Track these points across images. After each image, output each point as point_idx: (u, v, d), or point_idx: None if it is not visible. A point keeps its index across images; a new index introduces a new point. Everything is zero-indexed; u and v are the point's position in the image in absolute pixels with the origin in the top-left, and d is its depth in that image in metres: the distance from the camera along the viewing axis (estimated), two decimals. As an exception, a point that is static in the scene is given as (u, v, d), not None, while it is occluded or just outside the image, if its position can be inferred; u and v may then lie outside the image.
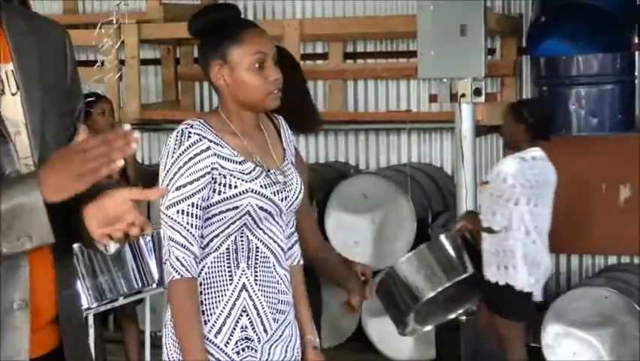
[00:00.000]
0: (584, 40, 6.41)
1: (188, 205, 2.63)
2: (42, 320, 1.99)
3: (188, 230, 2.63)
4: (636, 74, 6.48)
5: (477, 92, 5.86)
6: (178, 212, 2.63)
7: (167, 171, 2.64)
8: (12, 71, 1.99)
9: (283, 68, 2.81)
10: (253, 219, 2.69)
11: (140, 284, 4.49)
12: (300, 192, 2.83)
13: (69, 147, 1.85)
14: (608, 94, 6.35)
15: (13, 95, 1.98)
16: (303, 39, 6.91)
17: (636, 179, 6.09)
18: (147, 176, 6.09)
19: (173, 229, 2.64)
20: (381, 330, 6.43)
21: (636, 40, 6.48)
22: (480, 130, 6.23)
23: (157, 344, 4.05)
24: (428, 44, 5.83)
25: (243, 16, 2.81)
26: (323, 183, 6.58)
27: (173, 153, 2.64)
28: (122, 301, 4.55)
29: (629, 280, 6.14)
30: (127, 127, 1.82)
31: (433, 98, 6.52)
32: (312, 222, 3.49)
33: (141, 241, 4.52)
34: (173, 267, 2.63)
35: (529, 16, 6.80)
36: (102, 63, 6.47)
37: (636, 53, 6.49)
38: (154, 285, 4.54)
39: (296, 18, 7.21)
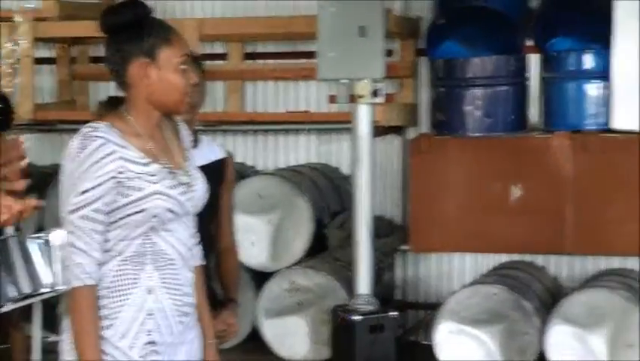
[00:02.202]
0: (480, 43, 6.57)
1: (92, 211, 2.62)
2: None
3: (90, 236, 2.63)
4: (527, 75, 6.62)
5: (375, 93, 5.94)
6: (81, 217, 2.62)
7: (70, 175, 2.62)
8: None
9: None
10: (160, 220, 2.70)
11: (30, 289, 4.42)
12: (204, 191, 2.84)
13: None
14: (501, 95, 6.48)
15: None
16: (202, 39, 6.87)
17: (527, 179, 6.24)
18: (38, 176, 6.01)
19: (75, 234, 2.63)
20: (276, 331, 6.46)
21: (528, 43, 6.61)
22: (378, 131, 6.30)
23: (48, 350, 4.00)
24: (328, 45, 5.90)
25: None
26: (220, 184, 6.60)
27: (77, 156, 2.61)
28: (10, 306, 4.48)
29: (519, 277, 6.30)
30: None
31: (331, 99, 6.51)
32: (230, 219, 3.68)
33: (29, 245, 4.47)
34: (75, 274, 2.63)
35: (428, 18, 6.89)
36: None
37: (527, 55, 6.62)
38: (44, 290, 4.47)
39: (195, 17, 7.18)
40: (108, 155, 2.62)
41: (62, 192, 2.67)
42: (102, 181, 2.61)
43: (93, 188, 2.61)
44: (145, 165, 2.68)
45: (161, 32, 2.69)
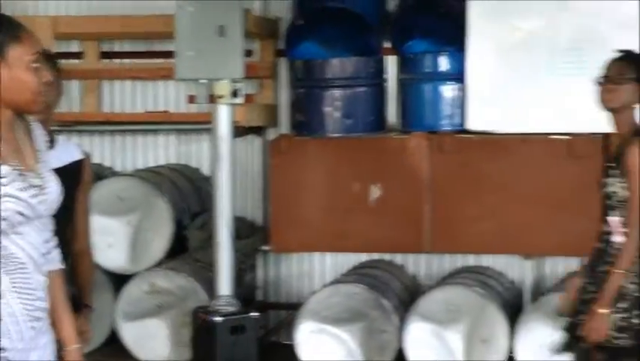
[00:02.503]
0: (339, 44, 6.64)
1: None
2: None
3: None
4: (385, 77, 6.72)
5: (235, 93, 5.99)
6: None
7: None
8: None
9: None
10: (10, 224, 2.65)
11: None
12: (58, 194, 2.81)
13: None
14: (360, 96, 6.56)
15: None
16: (57, 37, 6.78)
17: (386, 179, 6.35)
18: None
19: None
20: (136, 334, 6.46)
21: (386, 45, 6.72)
22: (238, 131, 6.35)
23: None
24: (186, 45, 5.93)
25: None
26: (76, 185, 6.53)
27: None
28: None
29: (378, 276, 6.41)
30: None
31: (190, 99, 6.48)
32: (86, 221, 3.73)
33: None
34: None
35: (287, 18, 6.93)
36: None
37: (385, 57, 6.73)
38: None
39: (49, 15, 7.04)
40: None
41: None
42: None
43: None
44: None
45: (10, 30, 2.66)
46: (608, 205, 4.13)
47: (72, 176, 3.53)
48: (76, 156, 3.67)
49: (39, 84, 2.72)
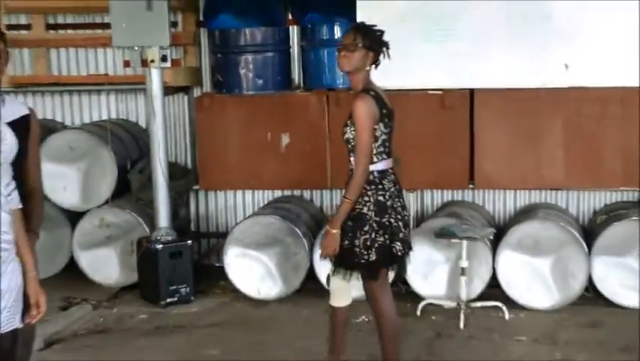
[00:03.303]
0: (250, 16, 7.06)
1: None
2: None
3: None
4: (290, 44, 7.22)
5: (164, 58, 6.48)
6: None
7: None
8: None
9: None
10: None
11: None
12: (14, 145, 3.12)
13: None
14: (269, 60, 6.99)
15: None
16: (7, 12, 7.17)
17: (293, 129, 6.80)
18: None
19: None
20: (90, 260, 6.92)
21: (290, 17, 7.25)
22: (167, 90, 6.82)
23: None
24: (120, 17, 6.38)
25: None
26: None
27: None
28: None
29: (290, 209, 6.93)
30: None
31: (126, 64, 6.71)
32: (37, 164, 3.85)
33: None
34: None
35: (205, -7, 7.22)
36: None
37: (290, 27, 7.25)
38: None
39: (0, -7, 7.25)
40: None
41: None
42: None
43: None
44: None
45: None
46: (349, 148, 4.47)
47: (23, 128, 3.61)
48: (24, 111, 3.71)
49: None
